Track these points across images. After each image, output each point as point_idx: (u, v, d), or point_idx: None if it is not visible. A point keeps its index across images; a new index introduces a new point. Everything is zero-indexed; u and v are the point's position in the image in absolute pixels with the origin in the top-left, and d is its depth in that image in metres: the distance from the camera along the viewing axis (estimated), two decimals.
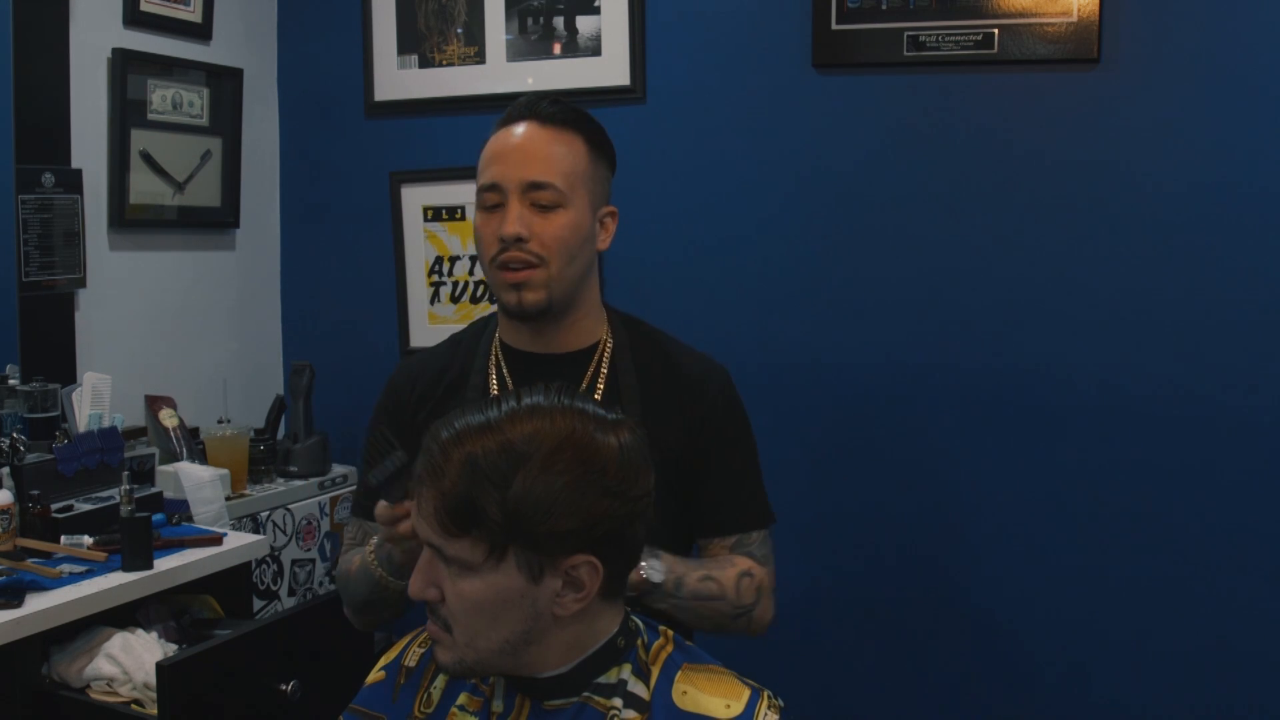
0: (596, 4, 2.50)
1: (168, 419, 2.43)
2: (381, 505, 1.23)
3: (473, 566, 1.00)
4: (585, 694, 1.06)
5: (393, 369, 1.59)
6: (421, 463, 1.03)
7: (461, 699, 1.12)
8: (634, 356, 1.47)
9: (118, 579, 1.85)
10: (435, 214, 2.69)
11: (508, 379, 1.46)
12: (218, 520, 2.20)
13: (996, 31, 2.17)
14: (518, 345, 1.48)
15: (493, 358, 1.49)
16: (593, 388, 1.44)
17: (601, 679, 1.07)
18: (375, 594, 1.37)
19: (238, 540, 2.08)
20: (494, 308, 1.53)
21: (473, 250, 2.65)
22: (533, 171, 1.39)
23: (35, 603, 1.73)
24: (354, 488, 2.67)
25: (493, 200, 1.41)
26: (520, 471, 0.98)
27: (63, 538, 1.95)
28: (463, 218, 2.66)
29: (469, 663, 1.04)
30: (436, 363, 1.53)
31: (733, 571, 1.44)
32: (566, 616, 1.03)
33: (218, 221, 2.71)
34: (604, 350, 1.47)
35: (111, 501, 2.03)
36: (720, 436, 1.48)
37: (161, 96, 2.52)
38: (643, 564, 1.33)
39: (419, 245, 2.71)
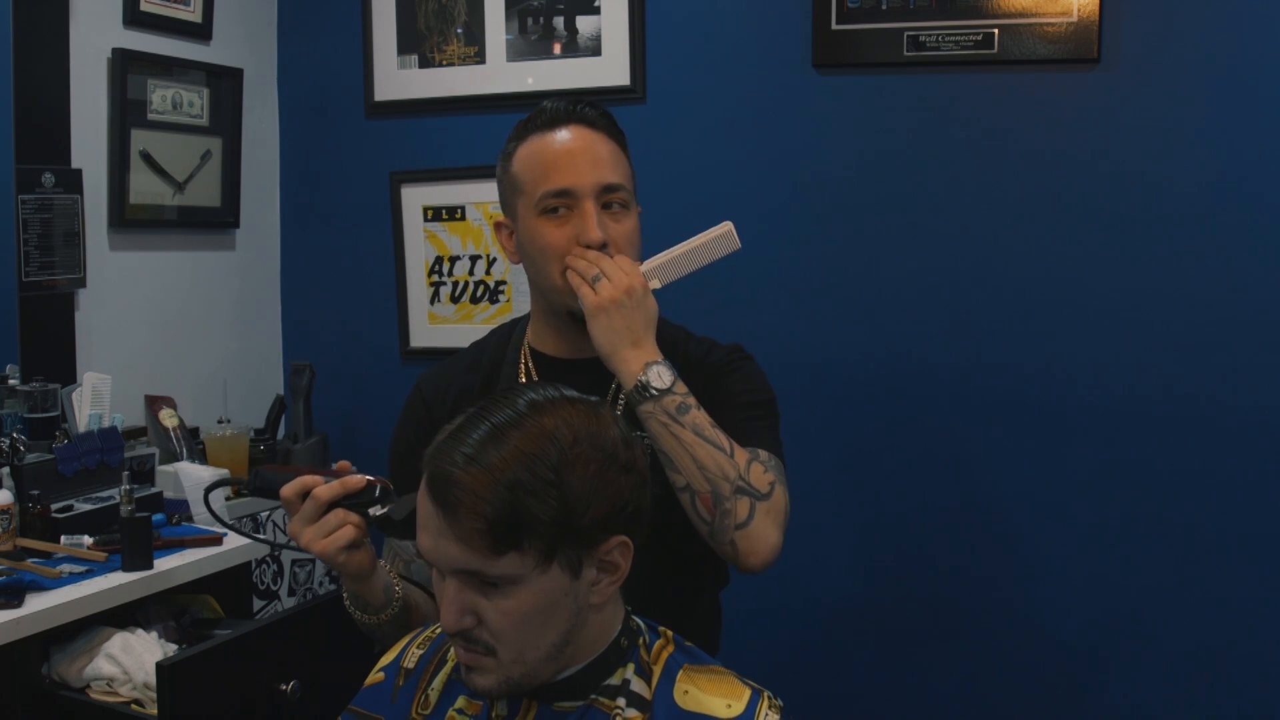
0: (596, 4, 2.50)
1: (168, 419, 2.43)
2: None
3: (520, 578, 0.98)
4: (593, 696, 1.06)
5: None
6: (438, 493, 0.98)
7: (460, 702, 1.12)
8: None
9: (118, 579, 1.84)
10: (435, 214, 2.68)
11: None
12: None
13: (996, 31, 2.17)
14: (546, 350, 1.47)
15: (521, 363, 1.48)
16: (620, 391, 1.42)
17: (607, 680, 1.06)
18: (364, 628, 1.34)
19: (238, 540, 2.08)
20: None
21: (472, 250, 2.65)
22: (605, 174, 1.38)
23: (35, 603, 1.73)
24: None
25: (561, 206, 1.37)
26: (553, 472, 0.97)
27: (63, 538, 1.95)
28: (462, 218, 2.66)
29: (515, 678, 1.02)
30: (465, 375, 1.50)
31: (744, 450, 1.33)
32: (600, 604, 1.04)
33: (218, 221, 2.71)
34: None
35: (111, 501, 2.03)
36: (723, 388, 1.45)
37: (161, 96, 2.52)
38: (651, 367, 1.28)
39: (419, 245, 2.70)
